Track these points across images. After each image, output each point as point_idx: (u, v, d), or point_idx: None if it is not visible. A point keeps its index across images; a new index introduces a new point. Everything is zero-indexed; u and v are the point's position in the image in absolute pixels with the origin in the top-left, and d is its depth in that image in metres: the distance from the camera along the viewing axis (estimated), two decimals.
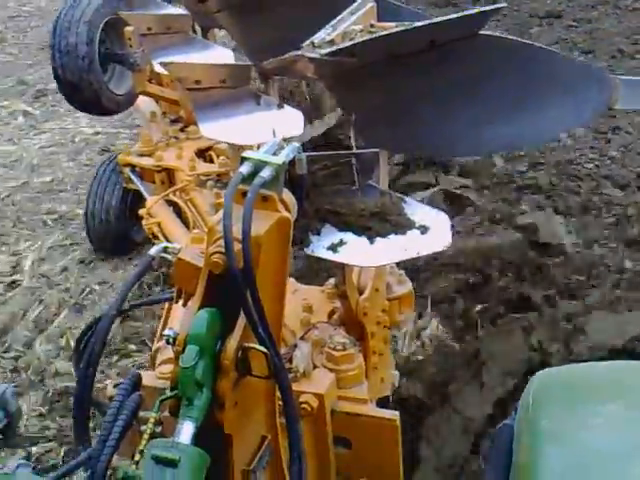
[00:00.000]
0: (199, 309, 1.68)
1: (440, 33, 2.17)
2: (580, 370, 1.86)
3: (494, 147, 2.94)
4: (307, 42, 2.15)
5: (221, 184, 3.79)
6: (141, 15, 3.69)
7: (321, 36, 2.21)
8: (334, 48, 2.10)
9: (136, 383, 1.78)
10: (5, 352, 4.17)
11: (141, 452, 1.56)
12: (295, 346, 2.18)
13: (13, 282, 4.70)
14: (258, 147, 2.75)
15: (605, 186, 4.52)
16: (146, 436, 1.58)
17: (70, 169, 6.07)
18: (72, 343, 3.98)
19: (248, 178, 1.69)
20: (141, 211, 3.85)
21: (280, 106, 2.71)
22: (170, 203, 3.87)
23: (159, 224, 3.74)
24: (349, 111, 2.26)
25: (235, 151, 3.05)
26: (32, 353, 4.12)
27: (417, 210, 2.25)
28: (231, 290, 1.62)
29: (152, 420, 1.61)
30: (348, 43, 2.14)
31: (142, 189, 4.19)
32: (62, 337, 4.19)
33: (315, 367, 2.19)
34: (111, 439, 1.64)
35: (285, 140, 1.89)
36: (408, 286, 2.67)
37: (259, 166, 1.72)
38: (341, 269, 2.36)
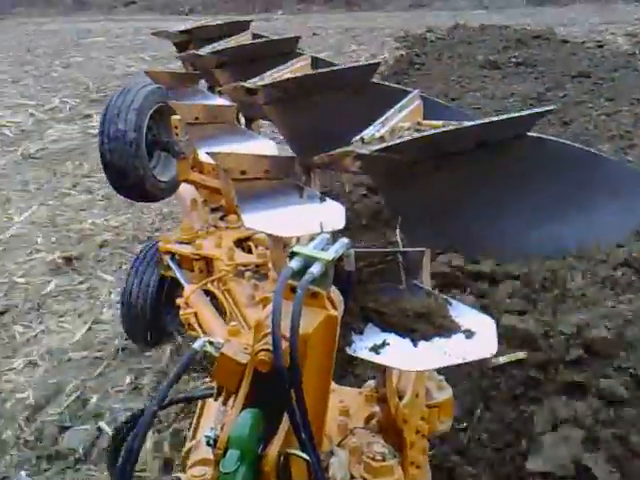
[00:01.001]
0: (242, 409, 1.62)
1: (489, 133, 2.16)
2: None
3: (541, 250, 2.88)
4: (356, 138, 2.14)
5: (259, 275, 3.76)
6: (189, 105, 3.74)
7: (370, 132, 2.20)
8: (383, 145, 2.09)
9: None
10: None
11: None
12: (332, 453, 2.08)
13: None
14: (298, 239, 2.73)
15: None
16: None
17: None
18: None
19: (298, 273, 1.66)
20: (179, 300, 3.81)
21: (322, 199, 2.69)
22: (207, 292, 3.83)
23: (195, 314, 3.69)
24: (396, 208, 2.23)
25: (275, 242, 3.02)
26: None
27: (463, 313, 2.18)
28: (275, 390, 1.57)
29: None
30: (397, 140, 2.13)
31: (180, 277, 4.16)
32: None
33: (352, 477, 2.07)
34: None
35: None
36: (448, 392, 2.56)
37: (309, 261, 1.69)
38: (382, 372, 2.27)
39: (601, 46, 10.74)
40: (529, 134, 2.19)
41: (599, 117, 6.84)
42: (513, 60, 9.54)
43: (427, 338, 2.06)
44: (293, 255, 1.72)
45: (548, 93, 7.78)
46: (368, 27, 15.58)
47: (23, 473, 1.89)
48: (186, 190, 4.57)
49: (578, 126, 6.63)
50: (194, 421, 2.49)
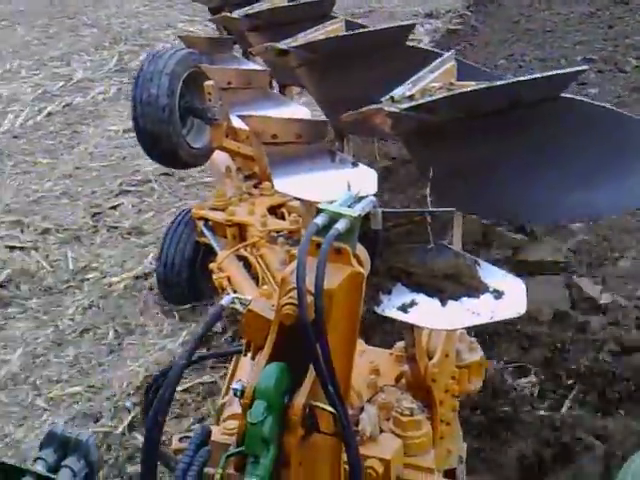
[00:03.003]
0: (268, 362, 1.65)
1: (521, 93, 2.13)
2: None
3: (572, 214, 2.85)
4: (386, 97, 2.13)
5: (292, 241, 3.77)
6: (222, 69, 3.73)
7: (401, 91, 2.18)
8: (414, 103, 2.07)
9: (206, 438, 1.75)
10: None
11: None
12: (362, 409, 2.11)
13: None
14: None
15: None
16: None
17: None
18: None
19: (323, 230, 1.67)
20: (212, 265, 3.85)
21: (355, 164, 2.69)
22: (240, 258, 3.86)
23: (228, 278, 3.72)
24: (425, 169, 2.22)
25: (307, 207, 3.02)
26: None
27: (491, 274, 2.17)
28: (301, 344, 1.59)
29: (217, 477, 1.59)
30: (428, 99, 2.11)
31: (214, 243, 4.19)
32: None
33: (381, 432, 2.11)
34: None
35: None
36: (479, 354, 2.58)
37: (334, 218, 1.70)
38: (411, 331, 2.28)
39: None
40: (563, 95, 2.16)
41: (635, 24, 9.81)
42: None
43: (456, 298, 2.07)
44: (319, 212, 1.73)
45: (598, 12, 10.53)
46: None
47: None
48: (220, 157, 4.58)
49: (620, 28, 9.67)
50: (228, 377, 2.53)
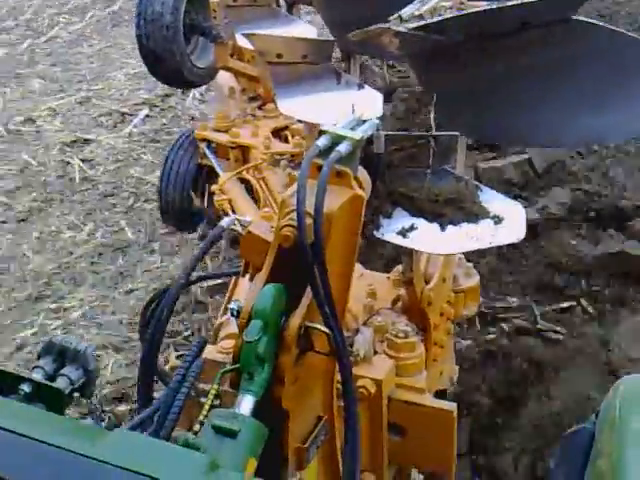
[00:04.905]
0: (266, 283, 1.65)
1: (533, 13, 2.08)
2: None
3: (580, 140, 2.81)
4: (394, 16, 2.08)
5: (294, 164, 3.75)
6: None
7: (409, 10, 2.13)
8: (422, 23, 2.03)
9: (201, 350, 1.78)
10: None
11: (201, 422, 1.54)
12: (357, 331, 2.14)
13: None
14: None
15: None
16: (207, 406, 1.57)
17: None
18: None
19: (324, 152, 1.66)
20: (213, 187, 3.83)
21: (360, 86, 2.64)
22: (242, 181, 3.83)
23: (230, 201, 3.71)
24: (431, 91, 2.18)
25: (310, 130, 2.99)
26: None
27: (492, 199, 2.17)
28: (299, 265, 1.59)
29: (213, 392, 1.60)
30: (437, 18, 2.06)
31: (216, 165, 4.16)
32: None
33: (375, 353, 2.14)
34: (177, 401, 1.66)
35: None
36: (475, 280, 2.60)
37: (336, 140, 1.68)
38: (409, 255, 2.29)
39: None
40: (575, 17, 2.11)
41: None
42: None
43: (455, 223, 2.07)
44: (321, 134, 1.72)
45: None
46: None
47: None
48: (224, 77, 4.51)
49: None
50: (226, 298, 2.55)
